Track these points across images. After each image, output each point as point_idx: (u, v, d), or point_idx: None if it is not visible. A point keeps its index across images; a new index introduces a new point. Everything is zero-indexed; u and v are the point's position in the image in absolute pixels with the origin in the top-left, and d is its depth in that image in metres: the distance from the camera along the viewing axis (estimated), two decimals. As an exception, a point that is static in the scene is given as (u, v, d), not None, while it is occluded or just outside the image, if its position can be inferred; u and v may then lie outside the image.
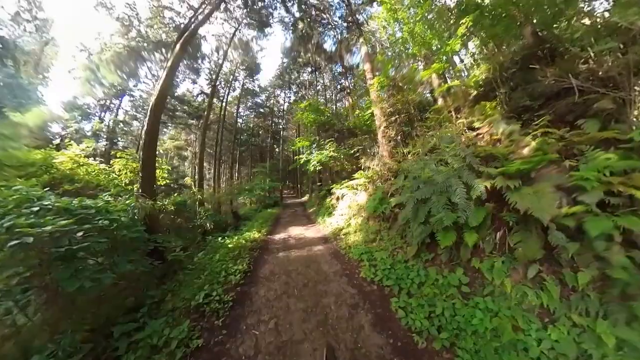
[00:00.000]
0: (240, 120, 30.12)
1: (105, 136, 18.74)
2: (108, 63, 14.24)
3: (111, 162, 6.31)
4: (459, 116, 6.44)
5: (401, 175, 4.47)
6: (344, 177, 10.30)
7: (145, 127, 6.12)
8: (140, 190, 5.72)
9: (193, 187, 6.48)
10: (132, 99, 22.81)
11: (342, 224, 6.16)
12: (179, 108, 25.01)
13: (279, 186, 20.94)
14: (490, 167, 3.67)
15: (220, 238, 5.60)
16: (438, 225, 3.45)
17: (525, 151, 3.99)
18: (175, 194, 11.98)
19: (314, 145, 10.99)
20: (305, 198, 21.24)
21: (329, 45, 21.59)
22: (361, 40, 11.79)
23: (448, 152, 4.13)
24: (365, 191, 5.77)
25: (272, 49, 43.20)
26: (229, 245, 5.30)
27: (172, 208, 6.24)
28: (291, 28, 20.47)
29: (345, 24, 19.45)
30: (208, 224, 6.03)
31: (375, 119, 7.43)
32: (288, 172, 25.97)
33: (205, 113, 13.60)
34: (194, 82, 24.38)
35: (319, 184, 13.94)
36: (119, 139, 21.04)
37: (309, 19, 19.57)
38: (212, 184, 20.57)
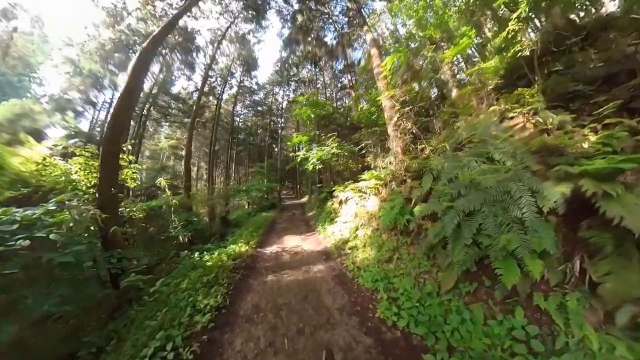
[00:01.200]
0: (237, 119, 29.12)
1: (98, 134, 17.65)
2: (91, 54, 13.16)
3: (68, 160, 5.24)
4: (482, 106, 5.44)
5: (427, 176, 3.39)
6: (346, 177, 9.22)
7: (109, 120, 5.06)
8: (97, 194, 4.66)
9: (167, 190, 5.42)
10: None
11: (347, 235, 5.08)
12: (173, 106, 24.02)
13: (277, 187, 19.86)
14: (563, 165, 2.61)
15: (197, 253, 4.53)
16: (497, 251, 2.38)
17: (585, 145, 3.02)
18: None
19: (314, 144, 9.90)
20: (305, 199, 20.19)
21: (329, 39, 20.68)
22: (365, 28, 10.87)
23: (495, 146, 3.07)
24: (376, 195, 4.70)
25: (270, 43, 42.15)
26: (207, 264, 4.22)
27: (141, 215, 5.16)
28: (289, 20, 19.48)
29: (346, 19, 18.57)
30: (181, 237, 4.94)
31: (384, 111, 6.38)
32: (287, 171, 24.91)
33: (194, 107, 12.52)
34: (189, 78, 23.30)
35: (319, 185, 12.85)
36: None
37: (308, 11, 18.61)
38: (208, 185, 19.47)
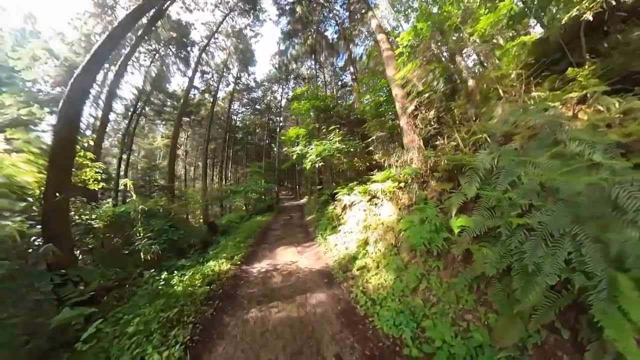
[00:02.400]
0: (235, 117, 28.24)
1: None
2: (73, 44, 12.25)
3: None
4: (513, 94, 4.55)
5: (470, 176, 2.45)
6: (348, 177, 8.28)
7: (59, 112, 4.10)
8: (43, 198, 3.73)
9: (133, 193, 4.47)
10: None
11: (354, 249, 4.14)
12: (168, 104, 23.13)
13: (274, 187, 18.91)
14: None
15: (165, 273, 3.59)
16: (604, 299, 1.44)
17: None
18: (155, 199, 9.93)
19: (313, 139, 8.93)
20: (304, 200, 19.26)
21: (329, 33, 19.88)
22: (370, 13, 10.05)
23: (571, 133, 2.13)
24: (391, 201, 3.76)
25: (268, 35, 41.02)
26: (175, 289, 3.28)
27: (101, 225, 4.23)
28: (288, 13, 18.63)
29: (347, 13, 17.83)
30: (143, 252, 3.97)
31: (395, 101, 5.46)
32: (287, 171, 24.02)
33: (182, 100, 11.56)
34: (184, 74, 22.41)
35: (318, 186, 11.88)
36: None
37: (307, 2, 17.80)
38: (202, 185, 18.63)
